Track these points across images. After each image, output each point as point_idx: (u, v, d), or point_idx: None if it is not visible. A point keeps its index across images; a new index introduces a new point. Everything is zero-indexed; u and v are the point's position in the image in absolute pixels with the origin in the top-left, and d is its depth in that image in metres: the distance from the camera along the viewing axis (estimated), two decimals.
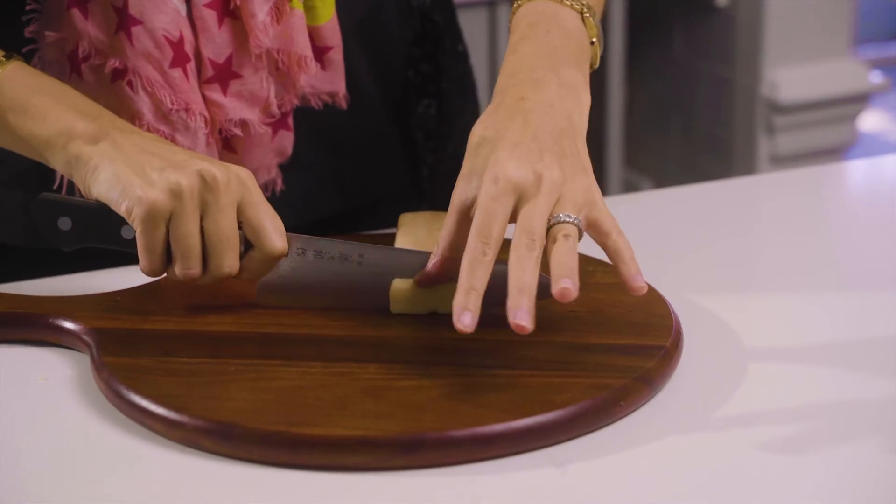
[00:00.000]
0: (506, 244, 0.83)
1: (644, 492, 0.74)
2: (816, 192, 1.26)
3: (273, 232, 0.90)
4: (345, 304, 0.91)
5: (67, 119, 0.91)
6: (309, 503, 0.74)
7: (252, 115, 1.03)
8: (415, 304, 0.90)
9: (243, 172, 0.90)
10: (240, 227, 0.90)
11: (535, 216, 0.83)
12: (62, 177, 0.99)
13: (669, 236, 1.11)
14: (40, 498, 0.75)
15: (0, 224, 1.08)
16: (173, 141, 0.99)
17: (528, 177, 0.84)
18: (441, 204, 1.03)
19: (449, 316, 0.87)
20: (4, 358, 0.90)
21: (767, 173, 2.39)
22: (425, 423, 0.77)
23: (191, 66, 0.99)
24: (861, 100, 2.78)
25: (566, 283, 0.80)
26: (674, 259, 1.05)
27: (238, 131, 1.02)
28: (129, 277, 0.97)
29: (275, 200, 1.02)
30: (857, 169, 1.42)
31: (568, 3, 0.95)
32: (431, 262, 0.88)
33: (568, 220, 0.83)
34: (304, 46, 1.02)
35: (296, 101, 1.05)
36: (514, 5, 0.98)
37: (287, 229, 0.91)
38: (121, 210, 0.88)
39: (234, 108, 1.02)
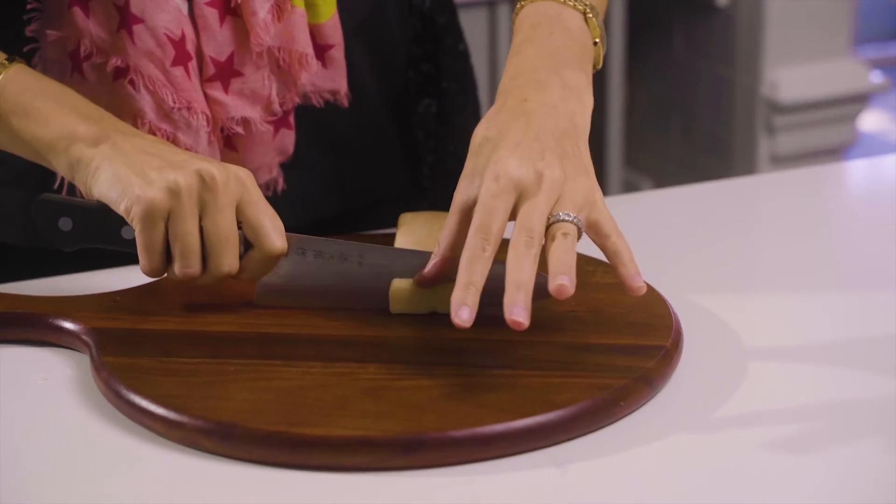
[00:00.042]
0: (505, 244, 0.83)
1: (644, 492, 0.74)
2: (816, 192, 1.26)
3: (272, 231, 0.90)
4: (345, 305, 0.91)
5: (69, 122, 0.91)
6: (309, 503, 0.74)
7: (254, 113, 1.03)
8: (415, 304, 0.90)
9: (242, 172, 0.90)
10: (239, 227, 0.90)
11: (534, 214, 0.83)
12: (62, 177, 0.99)
13: (669, 236, 1.11)
14: (40, 498, 0.75)
15: (0, 224, 1.08)
16: (175, 139, 1.00)
17: (529, 175, 0.84)
18: (441, 204, 1.03)
19: (449, 316, 0.88)
20: (4, 358, 0.90)
21: (767, 173, 2.39)
22: (425, 424, 0.77)
23: (192, 64, 1.00)
24: (861, 100, 2.78)
25: (563, 280, 0.80)
26: (674, 259, 1.05)
27: (240, 129, 1.02)
28: (129, 277, 0.97)
29: (275, 200, 1.02)
30: (857, 169, 1.42)
31: (571, 3, 0.95)
32: (432, 262, 0.88)
33: (567, 218, 0.83)
34: (305, 44, 1.02)
35: (297, 100, 1.05)
36: (517, 6, 0.98)
37: (287, 229, 0.91)
38: (120, 209, 0.88)
39: (236, 106, 1.02)
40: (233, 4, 0.99)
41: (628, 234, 0.86)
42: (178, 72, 0.99)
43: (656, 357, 0.84)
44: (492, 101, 0.92)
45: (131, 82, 0.98)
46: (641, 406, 0.82)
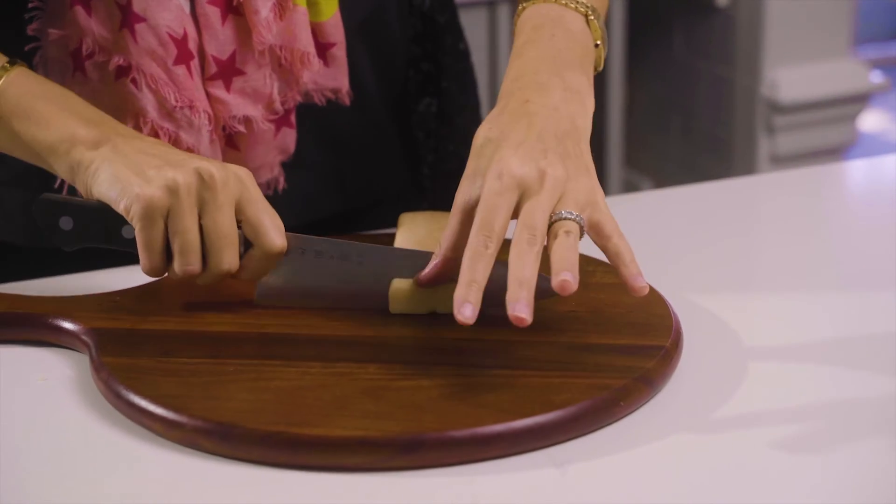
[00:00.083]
0: (507, 244, 0.83)
1: (644, 492, 0.74)
2: (816, 192, 1.26)
3: (272, 229, 0.90)
4: (344, 305, 0.91)
5: (70, 125, 0.91)
6: (308, 503, 0.74)
7: (255, 111, 1.03)
8: (414, 305, 0.90)
9: (242, 172, 0.90)
10: (239, 227, 0.90)
11: (536, 212, 0.83)
12: None
13: (669, 236, 1.11)
14: (39, 498, 0.75)
15: (1, 223, 1.08)
16: (177, 138, 1.00)
17: (531, 173, 0.84)
18: (441, 203, 1.03)
19: (448, 316, 0.87)
20: (4, 358, 0.90)
21: (767, 173, 2.39)
22: (425, 424, 0.77)
23: (194, 63, 1.00)
24: (861, 100, 2.78)
25: (566, 276, 0.80)
26: (674, 259, 1.05)
27: (242, 128, 1.02)
28: (128, 277, 0.97)
29: (275, 199, 1.02)
30: (857, 169, 1.42)
31: (572, 5, 0.95)
32: (433, 263, 0.88)
33: (570, 217, 0.83)
34: (306, 43, 1.02)
35: (299, 98, 1.05)
36: (519, 7, 0.98)
37: (287, 229, 0.91)
38: (119, 208, 0.88)
39: (238, 104, 1.02)
40: (235, 3, 0.99)
41: (628, 234, 0.86)
42: (181, 70, 0.99)
43: (656, 357, 0.83)
44: (492, 101, 0.92)
45: (133, 81, 0.98)
46: (641, 406, 0.82)
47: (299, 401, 0.80)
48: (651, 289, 0.91)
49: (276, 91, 1.03)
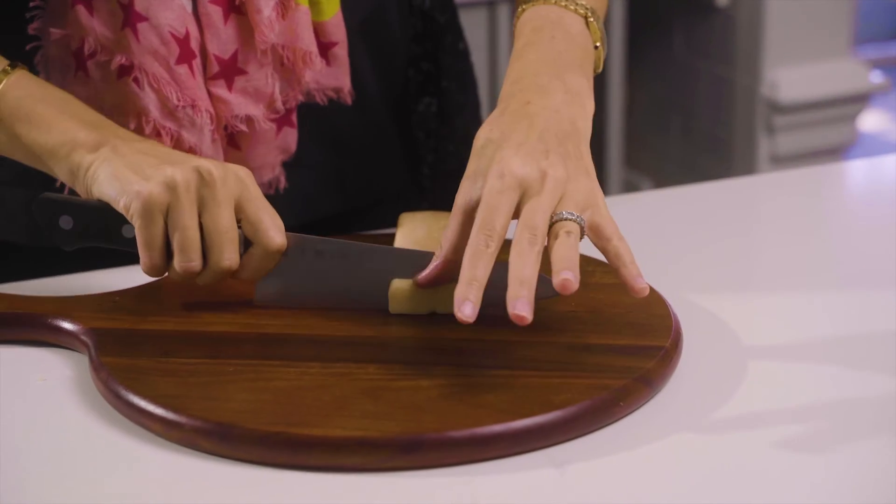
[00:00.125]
0: (507, 245, 0.83)
1: (644, 492, 0.74)
2: (816, 192, 1.26)
3: (272, 227, 0.90)
4: (344, 305, 0.91)
5: (71, 129, 0.92)
6: (307, 503, 0.74)
7: (257, 111, 1.03)
8: (414, 305, 0.90)
9: (241, 171, 0.90)
10: (239, 227, 0.90)
11: (537, 212, 0.83)
12: None
13: (669, 236, 1.11)
14: (39, 498, 0.75)
15: (2, 223, 1.08)
16: (179, 137, 1.00)
17: (533, 173, 0.84)
18: (441, 203, 1.03)
19: (448, 316, 0.87)
20: (3, 358, 0.90)
21: (767, 173, 2.39)
22: (424, 424, 0.76)
23: (196, 62, 1.00)
24: (861, 100, 2.78)
25: (567, 275, 0.80)
26: (673, 259, 1.05)
27: (243, 127, 1.02)
28: (128, 277, 0.97)
29: (275, 199, 1.02)
30: (857, 169, 1.42)
31: (572, 7, 0.96)
32: (433, 264, 0.88)
33: (570, 217, 0.84)
34: (309, 42, 1.02)
35: (301, 98, 1.05)
36: (519, 10, 0.98)
37: (287, 228, 0.91)
38: (119, 206, 0.89)
39: (240, 104, 1.02)
40: (237, 2, 1.00)
41: (628, 235, 0.86)
42: (183, 70, 0.99)
43: (656, 357, 0.83)
44: (492, 101, 0.93)
45: (136, 80, 0.98)
46: (641, 406, 0.81)
47: (298, 401, 0.79)
48: (651, 289, 0.91)
49: (277, 90, 1.03)
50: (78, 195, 0.93)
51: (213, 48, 1.00)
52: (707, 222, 1.15)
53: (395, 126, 1.18)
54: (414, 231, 1.00)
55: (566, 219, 0.84)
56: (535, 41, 0.95)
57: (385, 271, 0.91)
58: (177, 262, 0.89)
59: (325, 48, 1.04)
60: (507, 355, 0.84)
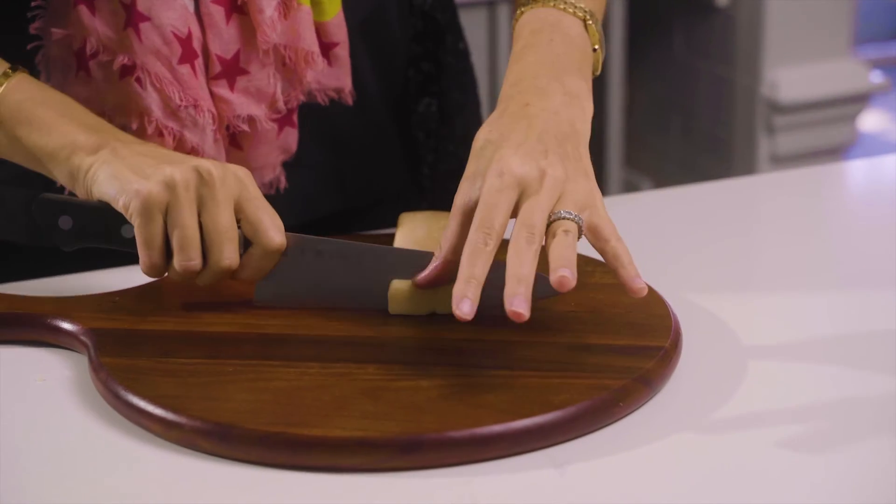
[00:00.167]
0: (505, 245, 0.83)
1: (643, 492, 0.74)
2: (816, 192, 1.26)
3: (271, 227, 0.90)
4: (343, 305, 0.91)
5: (71, 132, 0.92)
6: None
7: (259, 111, 1.03)
8: (414, 305, 0.90)
9: (241, 171, 0.90)
10: (238, 227, 0.90)
11: (535, 211, 0.83)
12: None
13: (669, 236, 1.11)
14: (38, 498, 0.75)
15: (2, 223, 1.08)
16: (182, 137, 1.00)
17: (532, 172, 0.84)
18: (441, 203, 1.03)
19: (448, 316, 0.87)
20: (3, 358, 0.90)
21: (767, 173, 2.39)
22: (424, 424, 0.76)
23: (199, 62, 1.00)
24: (861, 100, 2.78)
25: (564, 272, 0.80)
26: (673, 259, 1.05)
27: (245, 127, 1.03)
28: (128, 278, 0.97)
29: (275, 199, 1.02)
30: (857, 169, 1.42)
31: (570, 10, 0.96)
32: (433, 265, 0.88)
33: (569, 216, 0.84)
34: (310, 42, 1.02)
35: (302, 98, 1.05)
36: (517, 12, 0.98)
37: (287, 227, 0.91)
38: (118, 205, 0.89)
39: (241, 104, 1.02)
40: (239, 2, 1.00)
41: (628, 235, 0.86)
42: (185, 69, 0.99)
43: (655, 357, 0.83)
44: (492, 101, 0.93)
45: (138, 80, 0.98)
46: (640, 407, 0.81)
47: (298, 401, 0.79)
48: (650, 289, 0.91)
49: (279, 90, 1.03)
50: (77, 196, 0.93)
51: (215, 48, 1.00)
52: (707, 222, 1.15)
53: (394, 126, 1.18)
54: (414, 231, 1.00)
55: (564, 218, 0.84)
56: (533, 44, 0.95)
57: (385, 271, 0.91)
58: (176, 262, 0.89)
59: (326, 48, 1.04)
60: (507, 355, 0.84)
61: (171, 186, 0.88)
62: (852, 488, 0.75)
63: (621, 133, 2.94)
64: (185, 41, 0.98)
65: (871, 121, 3.31)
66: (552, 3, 0.97)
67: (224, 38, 1.00)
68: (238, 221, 0.90)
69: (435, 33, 1.19)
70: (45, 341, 0.91)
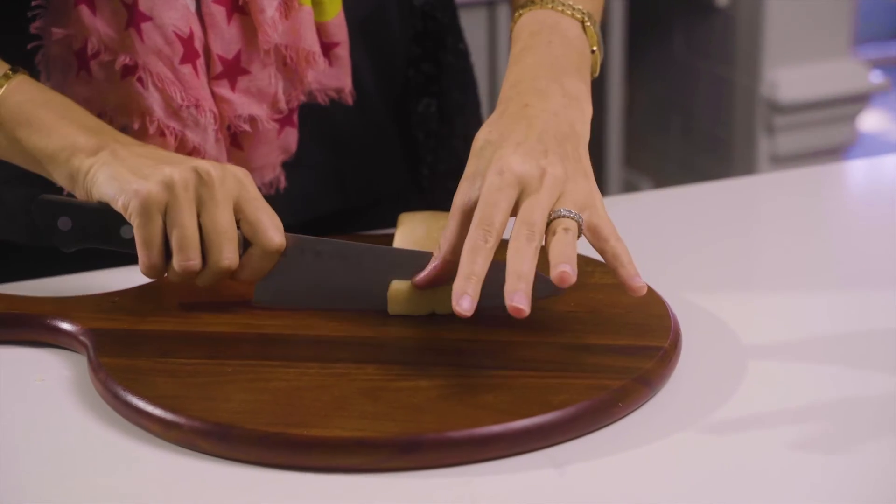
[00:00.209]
0: (504, 245, 0.83)
1: (643, 492, 0.74)
2: (816, 192, 1.26)
3: (271, 227, 0.90)
4: (343, 305, 0.91)
5: (71, 134, 0.92)
6: None
7: (260, 111, 1.03)
8: (413, 306, 0.90)
9: (240, 171, 0.90)
10: (238, 227, 0.90)
11: (536, 210, 0.83)
12: None
13: (669, 236, 1.11)
14: (37, 498, 0.75)
15: (3, 222, 1.08)
16: (184, 137, 1.00)
17: (532, 171, 0.84)
18: (440, 203, 1.03)
19: (447, 317, 0.88)
20: (2, 359, 0.90)
21: (767, 173, 2.39)
22: (423, 424, 0.76)
23: (200, 62, 1.00)
24: (861, 100, 2.78)
25: (564, 268, 0.80)
26: (673, 259, 1.05)
27: (247, 127, 1.03)
28: (127, 278, 0.97)
29: (274, 198, 1.02)
30: (857, 169, 1.42)
31: (569, 12, 0.96)
32: (432, 265, 0.88)
33: (568, 215, 0.84)
34: (312, 42, 1.02)
35: (303, 98, 1.05)
36: (516, 14, 0.99)
37: (286, 227, 0.91)
38: (118, 206, 0.89)
39: (243, 104, 1.02)
40: (241, 2, 1.00)
41: (628, 235, 0.86)
42: (187, 69, 0.99)
43: (655, 358, 0.83)
44: (491, 101, 0.93)
45: (140, 80, 0.98)
46: (640, 407, 0.81)
47: (297, 402, 0.79)
48: (649, 289, 0.91)
49: (280, 90, 1.03)
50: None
51: (216, 48, 1.00)
52: (707, 222, 1.15)
53: (394, 126, 1.18)
54: (413, 231, 1.00)
55: (564, 216, 0.84)
56: (532, 45, 0.95)
57: (384, 272, 0.91)
58: (176, 262, 0.89)
59: (327, 48, 1.04)
60: (506, 356, 0.84)
61: (170, 187, 0.88)
62: (852, 488, 0.75)
63: (621, 133, 2.93)
64: (187, 41, 0.98)
65: (871, 121, 3.31)
66: (550, 5, 0.97)
67: (225, 38, 1.00)
68: (237, 222, 0.90)
69: (435, 33, 1.19)
70: (44, 341, 0.91)
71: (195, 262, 0.89)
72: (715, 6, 2.75)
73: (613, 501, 0.73)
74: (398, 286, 0.90)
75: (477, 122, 1.22)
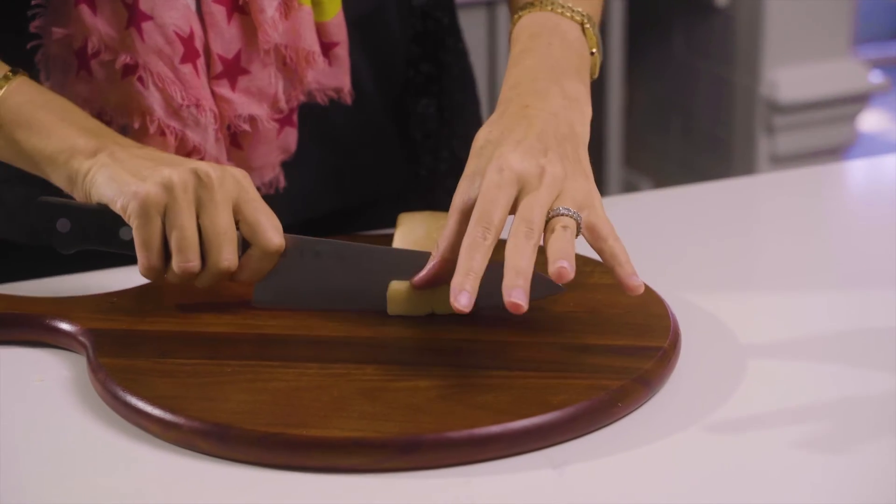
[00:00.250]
0: (502, 245, 0.83)
1: (642, 493, 0.74)
2: (816, 192, 1.26)
3: (270, 228, 0.90)
4: (342, 306, 0.91)
5: (70, 136, 0.92)
6: None
7: (260, 110, 1.03)
8: (412, 306, 0.90)
9: (239, 172, 0.90)
10: (237, 229, 0.90)
11: (535, 207, 0.83)
12: None
13: (669, 236, 1.11)
14: (37, 498, 0.75)
15: (2, 222, 1.08)
16: (184, 137, 1.00)
17: (531, 169, 0.85)
18: (440, 203, 1.03)
19: (446, 317, 0.87)
20: (1, 359, 0.90)
21: (767, 173, 2.39)
22: (422, 425, 0.76)
23: (200, 61, 1.00)
24: (861, 100, 2.78)
25: (562, 263, 0.80)
26: (673, 259, 1.05)
27: (247, 127, 1.03)
28: (127, 278, 0.97)
29: (273, 198, 1.02)
30: (857, 169, 1.42)
31: (568, 14, 0.96)
32: (430, 264, 0.88)
33: (567, 213, 0.84)
34: (311, 42, 1.02)
35: (302, 98, 1.05)
36: (515, 17, 0.99)
37: (285, 226, 0.91)
38: (116, 207, 0.89)
39: (243, 103, 1.02)
40: (241, 2, 1.00)
41: (627, 235, 0.86)
42: (187, 69, 0.99)
43: (654, 358, 0.83)
44: (491, 102, 0.93)
45: (140, 80, 0.98)
46: (639, 407, 0.81)
47: (296, 402, 0.79)
48: (649, 289, 0.91)
49: (280, 90, 1.03)
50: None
51: (216, 48, 1.00)
52: (707, 222, 1.15)
53: (393, 126, 1.18)
54: (412, 231, 1.00)
55: (563, 214, 0.84)
56: (532, 48, 0.95)
57: (383, 272, 0.91)
58: (175, 263, 0.89)
59: (326, 48, 1.05)
60: (506, 356, 0.84)
61: (169, 188, 0.88)
62: (852, 488, 0.75)
63: (621, 133, 2.93)
64: (187, 41, 0.98)
65: (870, 121, 3.31)
66: (550, 8, 0.97)
67: (225, 38, 1.00)
68: (236, 223, 0.90)
69: (434, 34, 1.19)
70: (43, 342, 0.91)
71: (194, 263, 0.89)
72: (715, 6, 2.75)
73: (612, 502, 0.73)
74: (397, 286, 0.90)
75: (476, 122, 1.22)
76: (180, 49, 0.98)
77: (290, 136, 1.06)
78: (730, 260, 1.07)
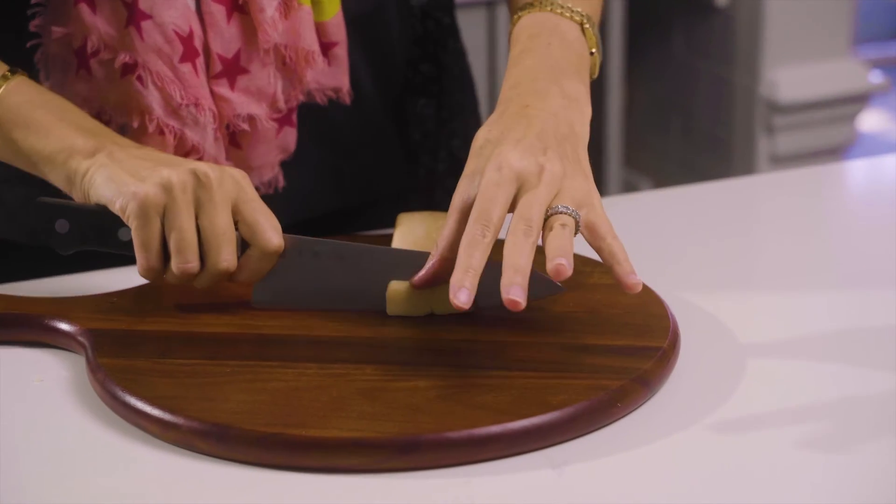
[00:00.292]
0: (500, 245, 0.83)
1: (642, 493, 0.74)
2: (816, 192, 1.26)
3: (269, 228, 0.90)
4: (341, 306, 0.91)
5: (69, 136, 0.92)
6: None
7: (259, 110, 1.03)
8: (412, 306, 0.90)
9: (238, 173, 0.90)
10: (236, 229, 0.90)
11: (533, 205, 0.83)
12: None
13: (668, 236, 1.11)
14: (36, 498, 0.75)
15: (2, 222, 1.08)
16: (183, 136, 1.00)
17: (531, 167, 0.85)
18: (439, 203, 1.03)
19: (445, 317, 0.87)
20: (1, 359, 0.90)
21: (767, 173, 2.39)
22: (421, 425, 0.76)
23: (200, 60, 1.00)
24: (861, 100, 2.78)
25: (561, 261, 0.80)
26: (672, 259, 1.05)
27: (246, 126, 1.03)
28: (126, 278, 0.97)
29: (273, 197, 1.02)
30: (857, 169, 1.42)
31: (568, 14, 0.97)
32: (430, 264, 0.88)
33: (566, 211, 0.84)
34: (311, 42, 1.02)
35: (301, 97, 1.05)
36: (514, 17, 0.99)
37: (284, 226, 0.91)
38: (115, 208, 0.89)
39: (242, 103, 1.02)
40: (240, 1, 1.00)
41: (627, 235, 0.86)
42: (186, 68, 0.99)
43: (653, 358, 0.83)
44: (490, 102, 0.93)
45: (139, 79, 0.98)
46: (638, 407, 0.81)
47: (296, 402, 0.79)
48: (649, 289, 0.91)
49: (279, 90, 1.03)
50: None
51: (216, 47, 1.00)
52: (707, 222, 1.15)
53: (393, 126, 1.18)
54: (412, 231, 1.00)
55: (561, 212, 0.84)
56: (531, 48, 0.95)
57: (383, 272, 0.91)
58: (174, 264, 0.89)
59: (325, 48, 1.05)
60: (505, 356, 0.84)
61: (167, 189, 0.88)
62: (852, 488, 0.74)
63: (621, 133, 2.93)
64: (187, 40, 0.98)
65: (870, 121, 3.31)
66: (549, 8, 0.97)
67: (225, 37, 1.00)
68: (235, 223, 0.90)
69: (434, 34, 1.19)
70: (42, 342, 0.91)
71: (193, 264, 0.89)
72: (715, 6, 2.75)
73: (612, 502, 0.73)
74: (397, 286, 0.90)
75: (475, 123, 1.22)
76: (179, 48, 0.98)
77: (290, 136, 1.06)
78: (730, 260, 1.07)
